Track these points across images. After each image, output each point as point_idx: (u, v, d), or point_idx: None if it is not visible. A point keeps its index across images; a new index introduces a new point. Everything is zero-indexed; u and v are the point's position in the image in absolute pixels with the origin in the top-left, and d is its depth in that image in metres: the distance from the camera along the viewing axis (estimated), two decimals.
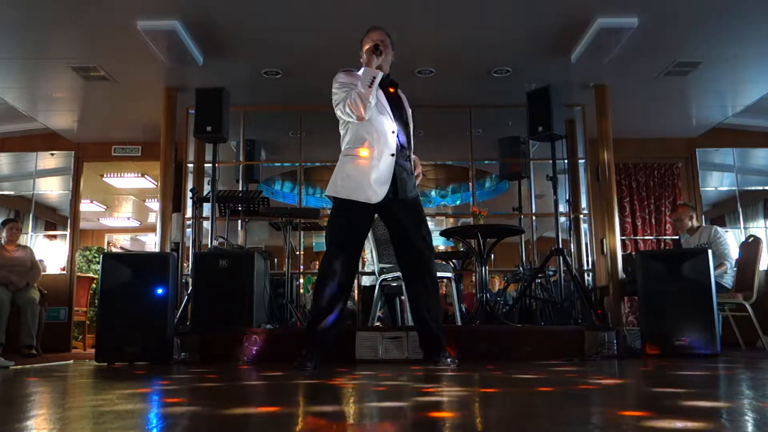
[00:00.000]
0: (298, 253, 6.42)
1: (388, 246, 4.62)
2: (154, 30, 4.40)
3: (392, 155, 3.10)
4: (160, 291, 3.81)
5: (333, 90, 3.19)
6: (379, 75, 3.06)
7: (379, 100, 3.14)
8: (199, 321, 4.17)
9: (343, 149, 3.23)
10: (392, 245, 3.33)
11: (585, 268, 6.10)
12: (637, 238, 6.74)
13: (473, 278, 7.12)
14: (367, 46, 3.14)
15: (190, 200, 5.40)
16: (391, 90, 3.29)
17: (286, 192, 9.25)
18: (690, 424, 1.33)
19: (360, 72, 3.13)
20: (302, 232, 6.40)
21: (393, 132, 3.14)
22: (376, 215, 3.28)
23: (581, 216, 6.17)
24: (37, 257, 5.78)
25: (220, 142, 5.13)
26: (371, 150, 3.09)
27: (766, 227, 7.23)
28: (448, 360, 3.15)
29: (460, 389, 2.15)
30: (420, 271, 3.20)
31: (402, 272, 3.32)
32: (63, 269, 6.79)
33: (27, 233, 6.93)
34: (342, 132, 3.27)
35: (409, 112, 3.37)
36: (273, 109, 6.20)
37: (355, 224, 3.15)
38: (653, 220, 6.81)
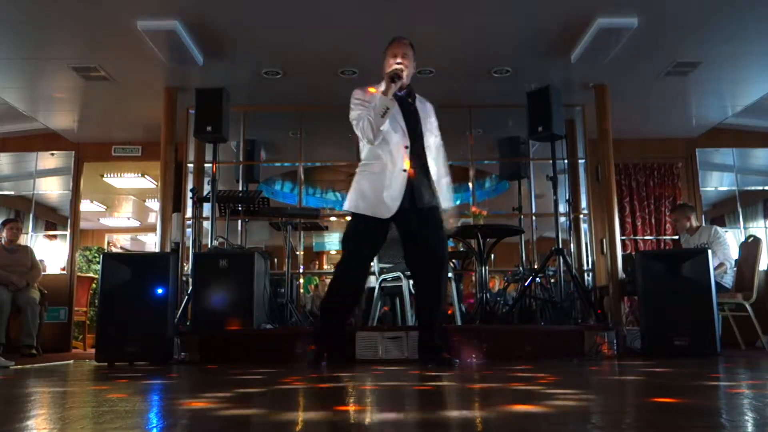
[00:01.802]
0: (298, 253, 6.42)
1: (388, 246, 4.62)
2: (154, 30, 4.39)
3: (404, 171, 3.14)
4: (160, 291, 3.81)
5: (350, 106, 3.25)
6: (394, 106, 3.10)
7: (394, 116, 3.17)
8: (199, 321, 4.17)
9: (360, 164, 3.31)
10: (404, 251, 3.37)
11: (585, 268, 6.10)
12: (637, 238, 6.74)
13: (473, 278, 7.12)
14: (388, 63, 3.19)
15: (190, 200, 5.40)
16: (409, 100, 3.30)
17: (286, 192, 9.25)
18: (690, 424, 1.33)
19: (379, 89, 3.14)
20: (302, 232, 6.40)
21: (406, 147, 3.17)
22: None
23: (581, 216, 6.17)
24: (37, 257, 5.78)
25: (220, 142, 5.13)
26: (385, 166, 3.15)
27: (766, 227, 7.23)
28: (448, 361, 3.16)
29: (459, 389, 2.16)
30: (428, 280, 3.25)
31: (411, 276, 3.42)
32: (63, 269, 6.79)
33: (27, 233, 6.92)
34: (361, 146, 3.33)
35: (431, 120, 3.35)
36: (273, 109, 6.21)
37: (369, 236, 3.22)
38: (653, 220, 6.81)
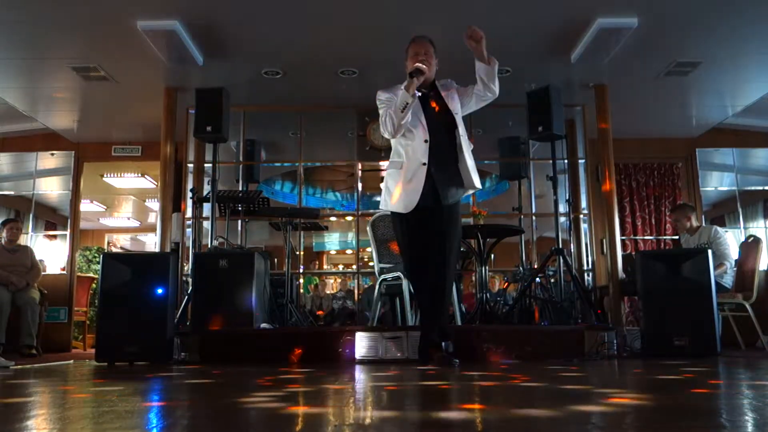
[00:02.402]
0: (298, 253, 6.42)
1: (388, 246, 4.63)
2: (154, 30, 4.40)
3: (424, 164, 3.20)
4: (160, 291, 3.81)
5: (378, 109, 3.34)
6: (413, 101, 3.15)
7: (414, 112, 3.22)
8: (199, 321, 4.17)
9: (388, 162, 3.41)
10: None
11: (585, 268, 6.10)
12: (637, 238, 6.74)
13: (473, 278, 7.12)
14: (408, 62, 3.26)
15: (190, 200, 5.40)
16: (433, 104, 3.33)
17: (286, 192, 9.25)
18: (690, 424, 1.33)
19: (401, 87, 3.18)
20: (302, 232, 6.40)
21: (426, 141, 3.22)
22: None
23: (581, 216, 6.17)
24: (37, 257, 5.78)
25: (220, 142, 5.13)
26: (406, 162, 3.25)
27: (766, 227, 7.23)
28: (448, 361, 3.16)
29: (459, 389, 2.16)
30: (433, 278, 3.28)
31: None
32: (63, 269, 6.79)
33: (27, 233, 6.92)
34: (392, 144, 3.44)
35: (455, 90, 3.35)
36: (273, 109, 6.21)
37: (411, 228, 3.29)
38: (653, 220, 6.81)
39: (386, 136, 3.28)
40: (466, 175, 3.30)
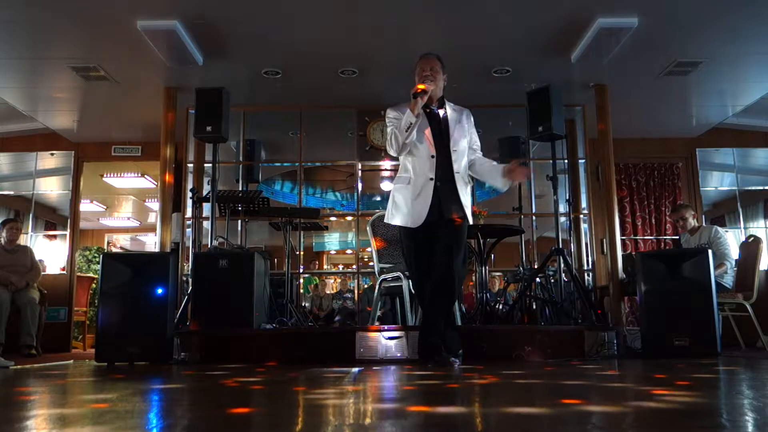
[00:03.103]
0: (298, 253, 6.42)
1: (387, 246, 4.63)
2: (154, 30, 4.39)
3: (431, 179, 3.26)
4: (160, 291, 3.82)
5: (387, 126, 3.42)
6: (417, 121, 3.22)
7: (421, 129, 3.28)
8: (199, 321, 4.17)
9: (396, 177, 3.48)
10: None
11: (585, 268, 6.10)
12: (637, 238, 6.74)
13: (473, 278, 7.11)
14: (416, 79, 3.32)
15: (190, 200, 5.40)
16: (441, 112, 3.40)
17: (286, 192, 9.24)
18: (690, 424, 1.33)
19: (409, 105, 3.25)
20: (302, 232, 6.40)
21: (432, 157, 3.28)
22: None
23: (581, 216, 6.17)
24: (37, 257, 5.78)
25: (220, 142, 5.13)
26: (414, 177, 3.31)
27: (766, 227, 7.23)
28: (447, 361, 3.16)
29: (459, 389, 2.15)
30: (435, 289, 3.29)
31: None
32: (63, 269, 6.79)
33: (27, 233, 6.92)
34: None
35: (463, 125, 3.42)
36: (273, 109, 6.21)
37: (415, 244, 3.35)
38: (653, 220, 6.81)
39: (392, 153, 3.34)
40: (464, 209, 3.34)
